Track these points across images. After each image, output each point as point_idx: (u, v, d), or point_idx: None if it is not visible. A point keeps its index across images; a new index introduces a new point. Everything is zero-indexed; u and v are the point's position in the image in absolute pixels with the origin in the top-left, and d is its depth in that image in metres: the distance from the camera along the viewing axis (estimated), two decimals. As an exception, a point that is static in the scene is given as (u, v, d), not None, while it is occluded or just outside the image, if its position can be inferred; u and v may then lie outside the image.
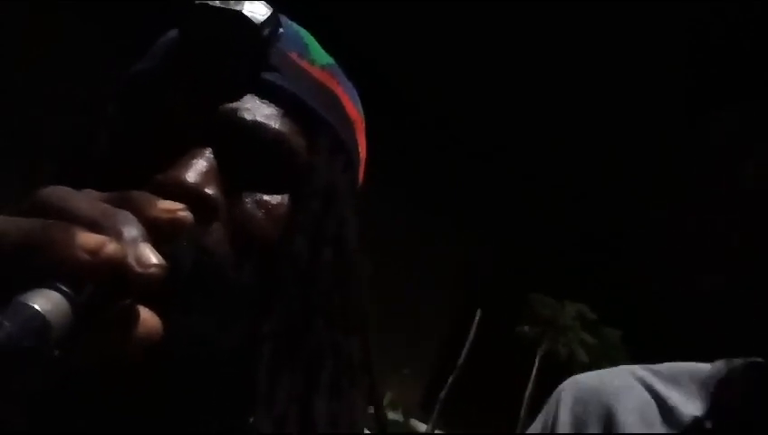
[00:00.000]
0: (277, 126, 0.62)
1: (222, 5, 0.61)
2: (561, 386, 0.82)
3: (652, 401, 0.73)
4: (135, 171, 0.58)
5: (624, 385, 0.76)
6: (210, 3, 0.61)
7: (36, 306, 0.37)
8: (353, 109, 0.72)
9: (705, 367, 0.75)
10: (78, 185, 0.47)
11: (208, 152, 0.60)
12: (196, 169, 0.58)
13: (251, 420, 0.59)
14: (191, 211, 0.47)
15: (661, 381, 0.75)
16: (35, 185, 0.48)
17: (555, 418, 0.78)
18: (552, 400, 0.81)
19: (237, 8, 0.61)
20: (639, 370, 0.77)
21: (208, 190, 0.58)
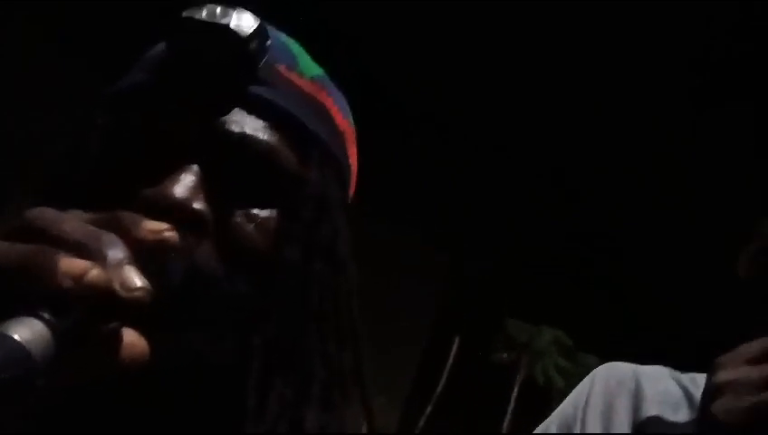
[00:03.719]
0: (266, 139, 0.62)
1: (208, 19, 0.61)
2: (596, 369, 0.88)
3: (679, 388, 0.80)
4: (124, 186, 0.58)
5: (656, 372, 0.84)
6: (196, 17, 0.61)
7: (17, 337, 0.36)
8: (343, 120, 0.72)
9: None
10: (67, 199, 0.47)
11: (196, 167, 0.59)
12: (184, 184, 0.58)
13: (243, 431, 0.58)
14: (179, 226, 0.48)
15: (686, 378, 0.82)
16: (26, 194, 0.47)
17: (589, 393, 0.83)
18: (586, 380, 0.87)
19: (224, 22, 0.61)
20: (669, 369, 0.86)
21: (196, 205, 0.58)
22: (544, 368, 4.44)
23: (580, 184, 4.96)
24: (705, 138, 4.18)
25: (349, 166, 0.73)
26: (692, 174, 4.51)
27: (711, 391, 0.63)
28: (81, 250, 0.41)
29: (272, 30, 0.67)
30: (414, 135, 4.53)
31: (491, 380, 4.42)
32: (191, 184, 0.58)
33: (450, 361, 4.06)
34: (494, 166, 4.83)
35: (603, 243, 5.24)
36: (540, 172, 4.91)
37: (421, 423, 3.97)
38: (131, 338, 0.43)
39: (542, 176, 4.93)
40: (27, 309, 0.38)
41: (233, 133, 0.61)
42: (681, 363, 0.87)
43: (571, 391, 0.88)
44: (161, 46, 0.67)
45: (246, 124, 0.62)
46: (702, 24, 3.65)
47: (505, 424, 4.15)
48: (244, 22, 0.61)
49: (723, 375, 0.64)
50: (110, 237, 0.43)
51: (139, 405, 0.55)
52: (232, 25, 0.60)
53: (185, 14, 0.61)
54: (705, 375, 0.81)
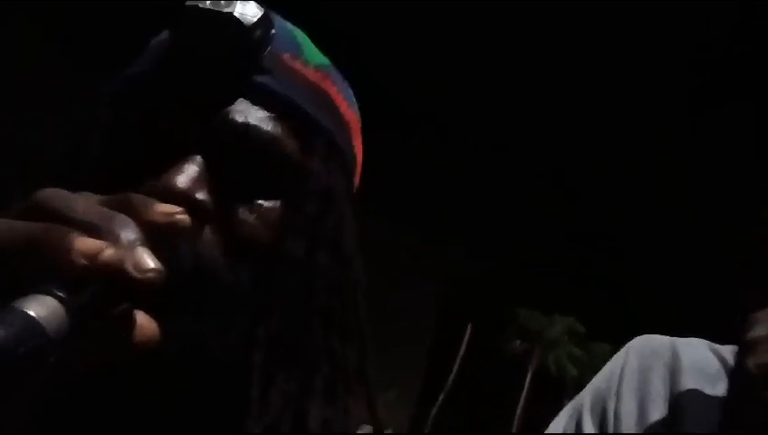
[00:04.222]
0: (269, 129, 0.61)
1: (212, 7, 0.60)
2: (631, 341, 0.85)
3: (717, 361, 0.77)
4: (127, 176, 0.57)
5: (694, 344, 0.81)
6: (200, 5, 0.60)
7: (32, 312, 0.36)
8: (348, 110, 0.71)
9: None
10: (71, 188, 0.46)
11: (199, 158, 0.58)
12: (187, 175, 0.57)
13: (245, 424, 0.57)
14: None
15: (726, 350, 0.79)
16: (28, 188, 0.46)
17: (623, 366, 0.81)
18: (620, 353, 0.84)
19: (228, 10, 0.60)
20: (707, 341, 0.83)
21: (199, 196, 0.57)
22: (557, 358, 4.42)
23: (581, 184, 4.95)
24: (705, 138, 4.17)
25: (354, 156, 0.72)
26: (692, 174, 4.50)
27: (745, 348, 0.62)
28: (93, 230, 0.41)
29: (276, 18, 0.66)
30: (414, 135, 4.52)
31: (502, 369, 4.41)
32: (194, 175, 0.57)
33: (462, 351, 4.05)
34: (494, 166, 4.82)
35: (603, 242, 5.23)
36: (540, 172, 4.90)
37: (433, 413, 3.95)
38: (142, 320, 0.43)
39: (542, 176, 4.93)
40: (41, 286, 0.37)
41: (236, 124, 0.60)
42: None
43: (583, 380, 0.86)
44: (165, 36, 0.66)
45: (250, 114, 0.61)
46: (702, 24, 3.64)
47: (518, 413, 4.12)
48: (249, 10, 0.60)
49: (756, 331, 0.62)
50: (122, 218, 0.43)
51: (143, 398, 0.55)
52: (236, 14, 0.60)
53: (188, 2, 0.60)
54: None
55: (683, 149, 4.35)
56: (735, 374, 0.63)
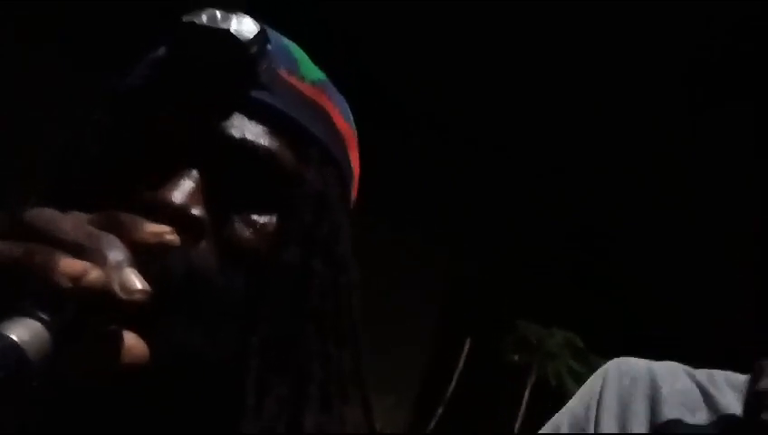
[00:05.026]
0: (265, 143, 0.62)
1: (209, 24, 0.61)
2: (606, 365, 0.84)
3: (696, 387, 0.77)
4: (123, 186, 0.58)
5: (671, 370, 0.80)
6: (197, 21, 0.61)
7: (14, 336, 0.36)
8: (344, 124, 0.72)
9: (739, 376, 0.78)
10: (67, 198, 0.46)
11: (195, 172, 0.59)
12: (183, 190, 0.58)
13: (241, 430, 0.58)
14: (177, 231, 0.48)
15: (702, 375, 0.79)
16: (28, 188, 0.46)
17: (601, 392, 0.80)
18: (596, 377, 0.83)
19: (225, 26, 0.61)
20: (682, 365, 0.81)
21: (194, 211, 0.58)
22: (556, 370, 4.40)
23: (580, 184, 4.95)
24: (705, 138, 4.18)
25: (350, 169, 0.73)
26: (692, 174, 4.50)
27: (757, 399, 0.62)
28: (80, 251, 0.41)
29: (273, 34, 0.67)
30: (414, 135, 4.53)
31: (501, 382, 4.39)
32: (190, 189, 0.58)
33: (461, 364, 4.03)
34: (494, 166, 4.82)
35: (602, 242, 5.23)
36: (540, 172, 4.91)
37: (432, 425, 3.93)
38: (131, 341, 0.43)
39: (542, 176, 4.93)
40: (25, 309, 0.38)
41: (233, 138, 0.61)
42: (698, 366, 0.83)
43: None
44: (162, 50, 0.67)
45: (246, 129, 0.62)
46: (702, 24, 3.65)
47: (517, 426, 4.11)
48: (245, 26, 0.61)
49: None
50: (109, 239, 0.43)
51: (139, 405, 0.55)
52: (232, 30, 0.61)
53: (185, 18, 0.61)
54: (721, 372, 0.79)
55: (683, 149, 4.35)
56: (749, 427, 0.63)
